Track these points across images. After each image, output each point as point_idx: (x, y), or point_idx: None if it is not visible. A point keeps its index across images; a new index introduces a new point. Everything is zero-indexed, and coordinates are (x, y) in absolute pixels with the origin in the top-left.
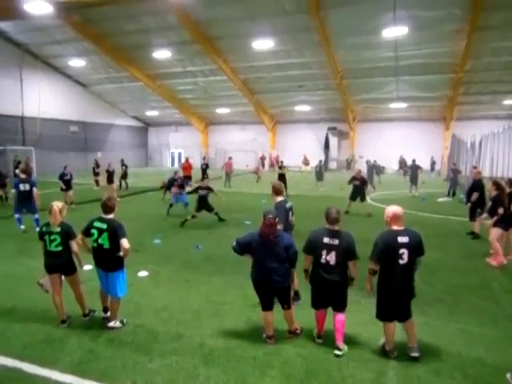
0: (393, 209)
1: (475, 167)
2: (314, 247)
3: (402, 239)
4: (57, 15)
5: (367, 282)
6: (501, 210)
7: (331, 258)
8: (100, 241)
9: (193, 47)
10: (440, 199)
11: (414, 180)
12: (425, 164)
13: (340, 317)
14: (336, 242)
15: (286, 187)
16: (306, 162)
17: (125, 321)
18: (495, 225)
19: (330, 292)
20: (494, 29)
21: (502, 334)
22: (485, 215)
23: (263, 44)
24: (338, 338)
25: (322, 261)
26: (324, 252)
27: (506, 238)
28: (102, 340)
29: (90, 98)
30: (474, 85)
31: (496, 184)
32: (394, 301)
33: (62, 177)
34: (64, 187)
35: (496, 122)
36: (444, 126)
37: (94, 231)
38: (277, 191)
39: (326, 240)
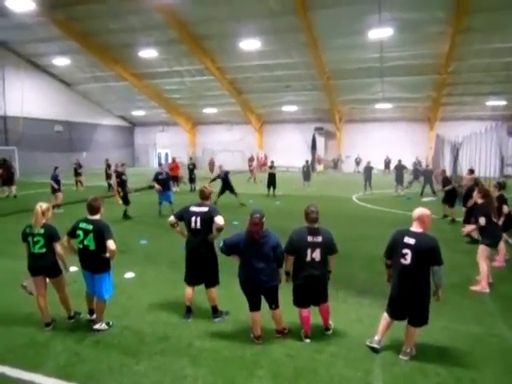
0: (417, 210)
1: (472, 171)
2: (298, 247)
3: (409, 240)
4: (40, 13)
5: (386, 273)
6: (482, 221)
7: (316, 255)
8: (86, 242)
9: (180, 47)
10: (425, 199)
11: (399, 180)
12: (410, 164)
13: (324, 306)
14: (319, 239)
15: (275, 187)
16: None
17: (111, 323)
18: (482, 242)
19: (315, 287)
20: (476, 31)
21: (485, 330)
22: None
23: (250, 44)
24: (325, 320)
25: (308, 259)
26: (309, 250)
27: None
28: (87, 343)
29: (74, 97)
30: (458, 86)
31: (483, 191)
32: (395, 298)
33: (55, 178)
34: (57, 187)
35: (479, 123)
36: (428, 127)
37: (80, 232)
38: (203, 196)
39: (309, 239)
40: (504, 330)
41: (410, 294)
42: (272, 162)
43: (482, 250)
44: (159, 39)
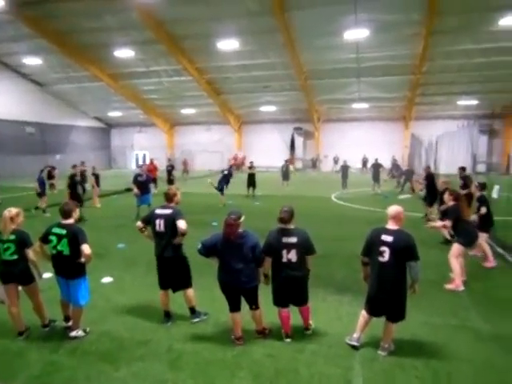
0: (391, 208)
1: (429, 167)
2: (274, 248)
3: (386, 237)
4: (9, 10)
5: (362, 271)
6: (447, 223)
7: (292, 255)
8: (59, 247)
9: (156, 47)
10: (401, 196)
11: (376, 178)
12: (386, 163)
13: (304, 307)
14: (294, 239)
15: (254, 187)
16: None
17: (88, 329)
18: (457, 240)
19: (295, 288)
20: (447, 33)
21: (460, 323)
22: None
23: (228, 44)
24: (305, 320)
25: (284, 260)
26: (284, 251)
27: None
28: (63, 351)
29: (47, 98)
30: (431, 86)
31: (454, 194)
32: (373, 296)
33: (41, 180)
34: (39, 190)
35: (452, 122)
36: (404, 126)
37: (53, 237)
38: (167, 198)
39: (284, 239)
40: (478, 323)
41: (388, 290)
42: (251, 163)
43: (455, 248)
44: (136, 39)
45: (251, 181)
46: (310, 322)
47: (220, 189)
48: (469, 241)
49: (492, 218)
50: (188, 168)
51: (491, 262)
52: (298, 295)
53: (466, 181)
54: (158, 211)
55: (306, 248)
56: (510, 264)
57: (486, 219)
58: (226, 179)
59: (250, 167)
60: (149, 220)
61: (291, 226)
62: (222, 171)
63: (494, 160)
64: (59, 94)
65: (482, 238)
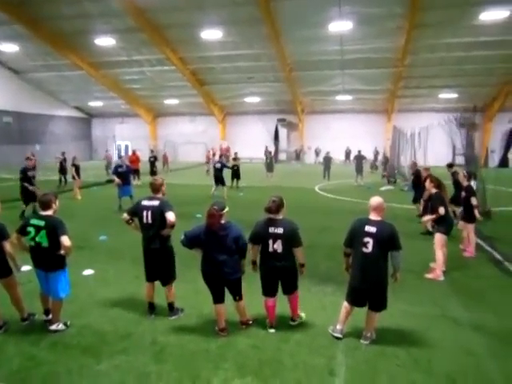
0: (373, 199)
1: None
2: (260, 237)
3: (370, 228)
4: None
5: (344, 262)
6: (441, 210)
7: (278, 246)
8: (38, 239)
9: (138, 35)
10: (383, 188)
11: (359, 170)
12: (369, 155)
13: (292, 296)
14: (280, 230)
15: (238, 178)
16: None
17: (68, 323)
18: (437, 230)
19: (280, 278)
20: (430, 27)
21: (440, 312)
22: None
23: (212, 34)
24: (293, 310)
25: (270, 250)
26: (270, 241)
27: (467, 233)
28: (43, 345)
29: (25, 86)
30: (413, 79)
31: (434, 181)
32: (356, 286)
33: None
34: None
35: (433, 115)
36: (386, 118)
37: (31, 229)
38: (153, 188)
39: (270, 229)
40: (457, 312)
41: (372, 280)
42: (236, 154)
43: (439, 238)
44: (117, 27)
45: (235, 172)
46: (302, 314)
47: (220, 181)
48: (449, 228)
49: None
50: (168, 162)
51: (472, 253)
52: (284, 284)
53: (455, 176)
54: (145, 202)
55: (291, 240)
56: (489, 255)
57: (472, 209)
58: (221, 171)
59: (235, 158)
60: (135, 211)
61: (279, 217)
62: (215, 166)
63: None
64: (37, 83)
65: (471, 228)
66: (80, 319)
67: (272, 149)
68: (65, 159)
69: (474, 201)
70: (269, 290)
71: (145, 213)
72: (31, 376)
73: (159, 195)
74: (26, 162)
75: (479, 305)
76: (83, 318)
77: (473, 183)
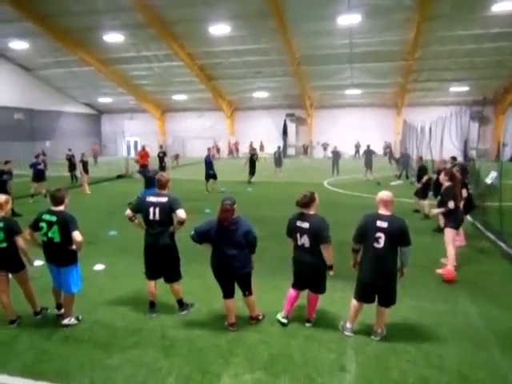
0: (382, 193)
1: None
2: (290, 230)
3: (382, 224)
4: None
5: (351, 259)
6: (451, 204)
7: (305, 240)
8: (50, 234)
9: (147, 31)
10: (393, 183)
11: (368, 165)
12: (379, 149)
13: (312, 295)
14: (306, 225)
15: (254, 173)
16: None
17: (80, 317)
18: (447, 225)
19: (308, 274)
20: (440, 19)
21: (450, 308)
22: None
23: (220, 29)
24: (310, 311)
25: (299, 243)
26: (298, 235)
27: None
28: (56, 339)
29: (35, 83)
30: (424, 72)
31: (449, 174)
32: (367, 282)
33: (34, 166)
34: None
35: (444, 108)
36: (396, 112)
37: (43, 224)
38: (160, 185)
39: (298, 223)
40: (467, 307)
41: (383, 276)
42: (251, 143)
43: (449, 233)
44: (125, 22)
45: (252, 167)
46: (314, 315)
47: (212, 175)
48: (458, 223)
49: (473, 201)
50: (178, 158)
51: (461, 242)
52: (309, 280)
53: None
54: (152, 199)
55: (316, 236)
56: (501, 250)
57: (466, 202)
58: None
59: (253, 154)
60: (139, 208)
61: (310, 212)
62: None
63: (485, 147)
64: (47, 79)
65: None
66: (91, 314)
67: (281, 144)
68: (73, 155)
69: (464, 193)
70: (296, 283)
71: (152, 209)
72: (44, 369)
73: (166, 191)
74: (3, 166)
75: (490, 300)
76: (94, 313)
77: (492, 175)
